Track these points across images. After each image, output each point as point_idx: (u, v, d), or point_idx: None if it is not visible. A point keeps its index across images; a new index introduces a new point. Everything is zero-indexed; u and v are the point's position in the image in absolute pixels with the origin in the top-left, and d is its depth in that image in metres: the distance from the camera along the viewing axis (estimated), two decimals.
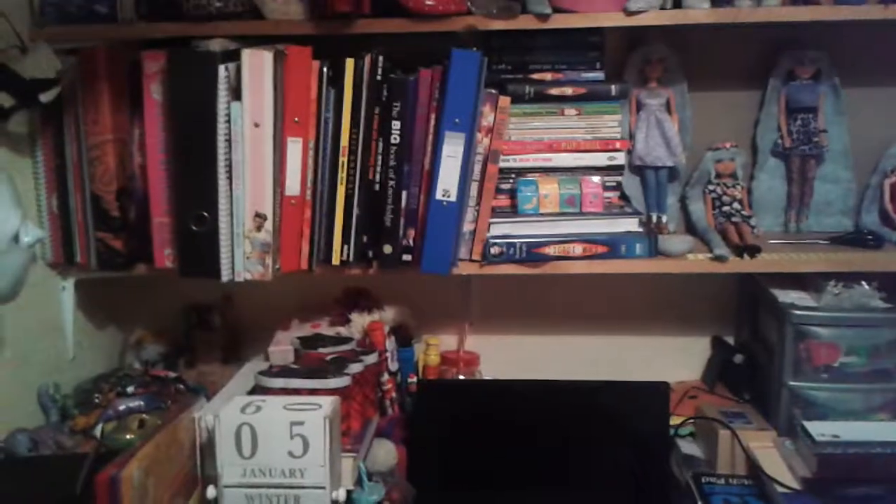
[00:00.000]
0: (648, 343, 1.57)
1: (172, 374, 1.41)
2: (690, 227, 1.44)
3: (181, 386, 1.38)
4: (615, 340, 1.58)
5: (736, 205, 1.40)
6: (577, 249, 1.29)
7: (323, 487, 1.02)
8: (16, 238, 1.15)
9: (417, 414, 1.36)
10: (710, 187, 1.42)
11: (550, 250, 1.29)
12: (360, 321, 1.42)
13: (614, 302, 1.56)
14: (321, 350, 1.25)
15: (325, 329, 1.44)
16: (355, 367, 1.19)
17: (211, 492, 1.04)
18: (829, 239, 1.38)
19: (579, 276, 1.31)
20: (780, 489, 1.13)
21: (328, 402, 1.05)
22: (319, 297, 1.52)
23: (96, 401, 1.29)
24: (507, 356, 1.55)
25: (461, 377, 1.50)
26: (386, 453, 1.25)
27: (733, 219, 1.39)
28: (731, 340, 1.54)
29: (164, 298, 1.56)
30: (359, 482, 1.13)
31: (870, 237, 1.33)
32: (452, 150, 1.22)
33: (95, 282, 1.39)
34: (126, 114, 1.25)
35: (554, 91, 1.33)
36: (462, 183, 1.23)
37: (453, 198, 1.23)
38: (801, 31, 1.36)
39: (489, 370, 1.53)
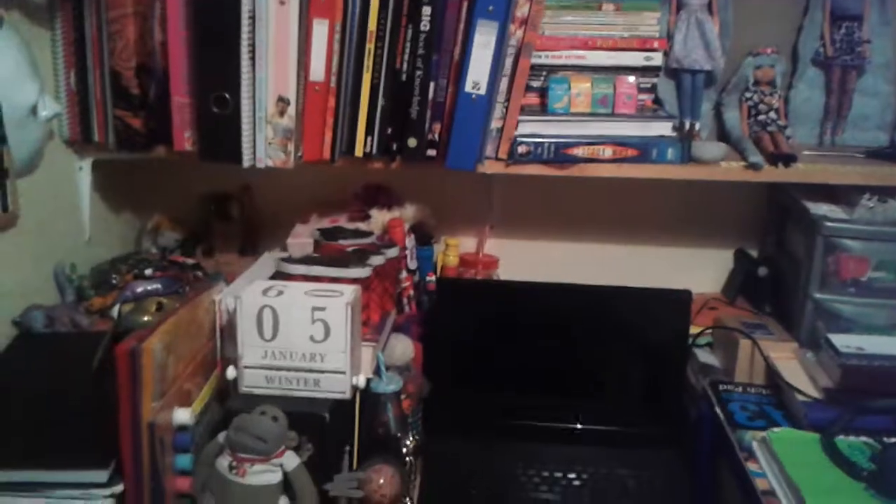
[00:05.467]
0: (670, 253, 1.56)
1: (191, 261, 1.40)
2: (724, 136, 1.40)
3: (199, 273, 1.37)
4: (637, 249, 1.57)
5: (772, 114, 1.36)
6: (607, 152, 1.26)
7: (343, 372, 1.01)
8: (33, 111, 1.12)
9: (435, 311, 1.35)
10: (748, 94, 1.38)
11: (579, 151, 1.26)
12: (380, 217, 1.40)
13: (638, 210, 1.54)
14: (341, 242, 1.23)
15: (345, 224, 1.42)
16: (376, 260, 1.17)
17: (231, 372, 1.03)
18: (864, 153, 1.34)
19: (603, 181, 1.28)
20: (800, 398, 1.12)
21: (350, 290, 1.04)
22: (338, 193, 1.49)
23: (114, 282, 1.28)
24: (526, 261, 1.54)
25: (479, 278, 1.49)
26: (403, 348, 1.24)
27: (769, 128, 1.35)
28: (754, 253, 1.52)
29: (182, 186, 1.53)
30: (377, 372, 1.13)
31: None
32: (484, 40, 1.17)
33: (113, 164, 1.36)
34: None
35: None
36: (493, 76, 1.19)
37: (483, 91, 1.19)
38: None
39: (507, 274, 1.52)
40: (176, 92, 1.22)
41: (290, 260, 1.14)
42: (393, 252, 1.23)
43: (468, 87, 1.19)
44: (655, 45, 1.29)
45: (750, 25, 1.37)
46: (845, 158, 1.31)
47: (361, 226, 1.39)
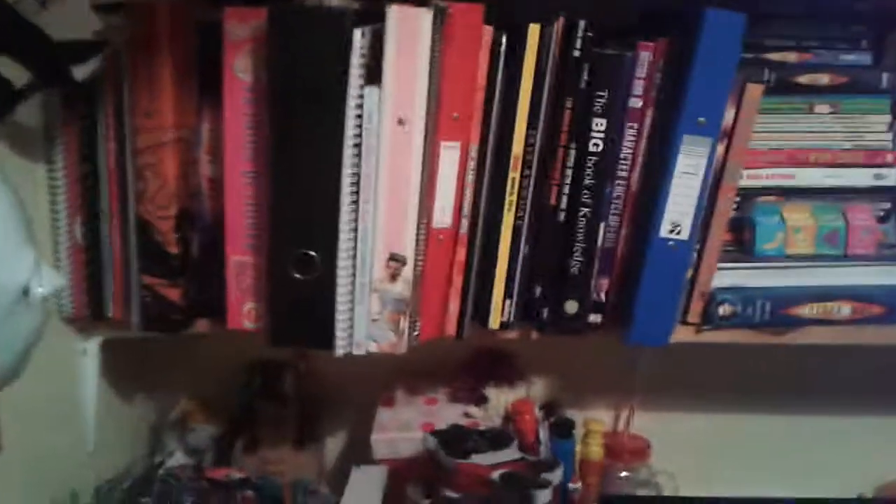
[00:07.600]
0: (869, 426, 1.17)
1: (236, 475, 0.98)
2: None
3: (249, 492, 0.96)
4: (818, 421, 1.18)
5: None
6: (845, 310, 0.89)
7: None
8: (25, 291, 0.73)
9: None
10: None
11: (806, 310, 0.89)
12: (500, 398, 1.01)
13: (821, 370, 1.16)
14: (476, 459, 0.84)
15: (446, 407, 1.05)
16: (544, 496, 0.78)
17: None
18: None
19: None
20: None
21: None
22: (430, 357, 1.09)
23: None
24: (680, 439, 1.15)
25: (625, 473, 1.09)
26: None
27: None
28: None
29: (214, 355, 1.12)
30: None
31: None
32: (691, 164, 0.81)
33: (124, 341, 0.97)
34: (192, 103, 0.83)
35: (802, 79, 0.92)
36: (697, 213, 0.83)
37: (685, 234, 0.83)
38: None
39: (661, 461, 1.12)
40: (233, 248, 0.83)
41: None
42: (558, 475, 0.84)
43: (665, 231, 0.82)
44: (889, 158, 0.94)
45: None
46: None
47: (476, 412, 1.01)
